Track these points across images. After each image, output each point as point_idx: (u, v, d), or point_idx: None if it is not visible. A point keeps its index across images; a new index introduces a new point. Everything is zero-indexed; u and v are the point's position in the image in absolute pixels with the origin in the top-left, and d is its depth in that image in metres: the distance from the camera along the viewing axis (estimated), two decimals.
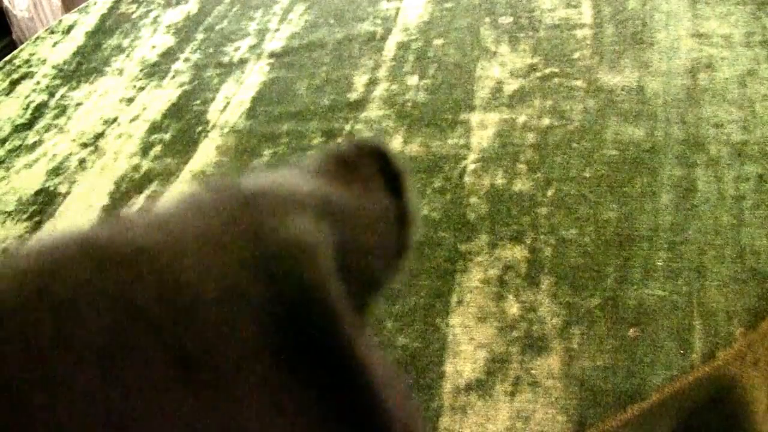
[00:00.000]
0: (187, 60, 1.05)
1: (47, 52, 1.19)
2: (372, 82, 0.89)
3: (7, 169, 0.94)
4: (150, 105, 0.98)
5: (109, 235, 0.16)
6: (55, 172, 0.91)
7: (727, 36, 0.80)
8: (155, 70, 1.05)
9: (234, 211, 0.17)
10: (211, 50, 1.06)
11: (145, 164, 0.87)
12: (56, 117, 1.02)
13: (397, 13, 1.00)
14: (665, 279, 0.58)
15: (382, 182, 0.21)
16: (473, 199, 0.69)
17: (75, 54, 1.16)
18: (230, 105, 0.93)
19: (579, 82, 0.79)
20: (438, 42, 0.93)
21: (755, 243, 0.59)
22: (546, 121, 0.76)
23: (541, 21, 0.90)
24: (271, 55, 1.00)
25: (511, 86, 0.82)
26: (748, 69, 0.75)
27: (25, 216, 0.85)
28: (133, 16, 1.22)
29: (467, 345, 0.57)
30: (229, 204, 0.17)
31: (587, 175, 0.68)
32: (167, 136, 0.91)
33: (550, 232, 0.64)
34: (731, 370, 0.54)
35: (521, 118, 0.77)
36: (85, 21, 1.25)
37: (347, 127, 0.83)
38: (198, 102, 0.96)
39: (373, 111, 0.84)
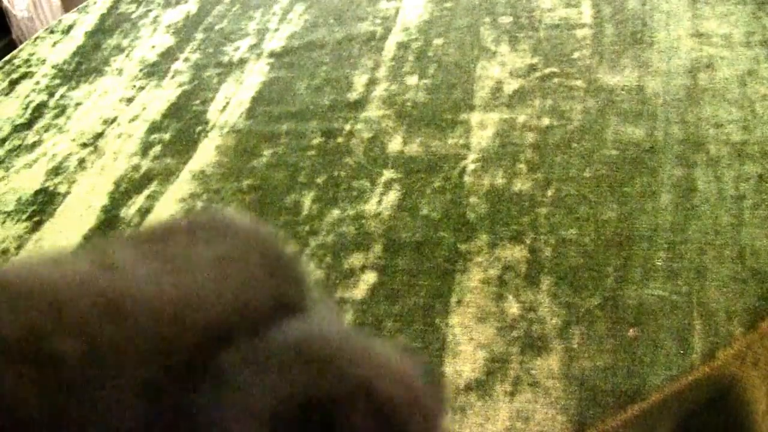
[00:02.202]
0: (186, 60, 1.05)
1: (47, 51, 1.19)
2: (372, 82, 0.89)
3: (7, 169, 0.94)
4: (150, 105, 0.98)
5: None
6: (55, 172, 0.91)
7: (727, 36, 0.80)
8: (155, 70, 1.05)
9: None
10: (210, 50, 1.06)
11: (145, 164, 0.87)
12: (56, 117, 1.02)
13: (396, 13, 1.00)
14: (665, 279, 0.58)
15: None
16: (473, 199, 0.69)
17: (74, 54, 1.16)
18: (230, 105, 0.93)
19: (579, 82, 0.79)
20: (438, 42, 0.93)
21: (755, 243, 0.59)
22: (546, 121, 0.76)
23: (540, 21, 0.90)
24: (271, 54, 1.00)
25: (511, 86, 0.82)
26: (748, 69, 0.75)
27: (24, 216, 0.85)
28: (133, 15, 1.22)
29: (467, 345, 0.57)
30: None
31: (587, 175, 0.68)
32: (167, 136, 0.91)
33: (549, 232, 0.64)
34: (731, 370, 0.54)
35: (521, 118, 0.77)
36: (85, 21, 1.25)
37: (347, 127, 0.83)
38: (198, 102, 0.95)
39: (373, 111, 0.84)
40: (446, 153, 0.76)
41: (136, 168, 0.87)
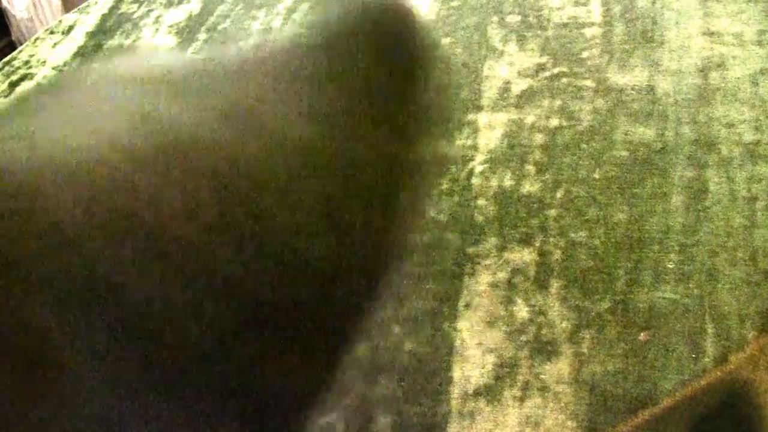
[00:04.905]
0: None
1: (47, 52, 1.19)
2: None
3: None
4: None
5: None
6: None
7: (739, 34, 0.79)
8: None
9: None
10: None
11: None
12: None
13: None
14: (676, 282, 0.57)
15: None
16: (481, 201, 0.69)
17: (75, 55, 1.15)
18: None
19: (588, 82, 0.78)
20: (444, 41, 0.92)
21: None
22: (555, 122, 0.75)
23: (549, 19, 0.89)
24: None
25: (519, 86, 0.81)
26: (761, 68, 0.74)
27: None
28: (134, 16, 1.22)
29: (475, 349, 0.57)
30: None
31: (597, 176, 0.68)
32: None
33: (559, 235, 0.63)
34: (744, 375, 0.54)
35: (529, 119, 0.76)
36: (86, 21, 1.24)
37: None
38: None
39: None
40: (453, 154, 0.75)
41: None
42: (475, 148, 0.75)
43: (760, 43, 0.77)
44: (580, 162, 0.69)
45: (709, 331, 0.54)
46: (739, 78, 0.74)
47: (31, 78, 1.13)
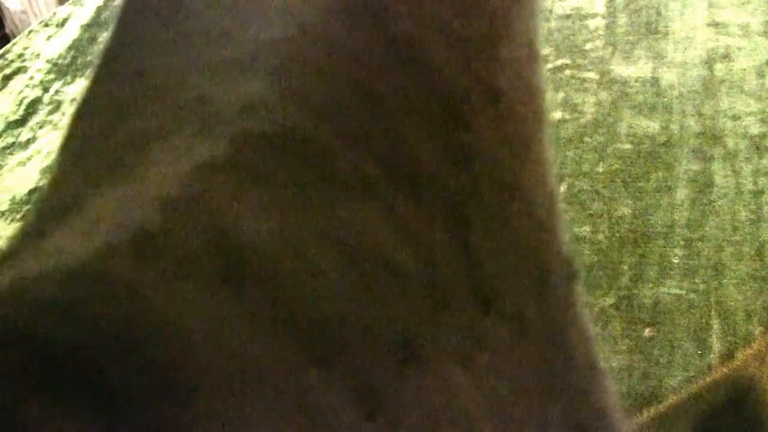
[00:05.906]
0: None
1: (41, 45, 1.17)
2: None
3: (0, 167, 0.93)
4: None
5: None
6: (50, 170, 0.90)
7: (745, 25, 0.78)
8: None
9: None
10: None
11: None
12: (51, 113, 1.00)
13: None
14: (682, 277, 0.57)
15: None
16: None
17: (70, 48, 1.14)
18: None
19: (591, 74, 0.78)
20: None
21: None
22: (557, 115, 0.74)
23: (551, 11, 0.89)
24: None
25: None
26: (767, 59, 0.74)
27: (18, 216, 0.84)
28: None
29: None
30: None
31: (600, 170, 0.67)
32: None
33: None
34: (750, 371, 0.53)
35: None
36: (80, 13, 1.23)
37: None
38: None
39: None
40: None
41: None
42: None
43: (766, 34, 0.76)
44: (584, 155, 0.69)
45: (715, 326, 0.53)
46: (744, 69, 0.73)
47: (25, 71, 1.12)
